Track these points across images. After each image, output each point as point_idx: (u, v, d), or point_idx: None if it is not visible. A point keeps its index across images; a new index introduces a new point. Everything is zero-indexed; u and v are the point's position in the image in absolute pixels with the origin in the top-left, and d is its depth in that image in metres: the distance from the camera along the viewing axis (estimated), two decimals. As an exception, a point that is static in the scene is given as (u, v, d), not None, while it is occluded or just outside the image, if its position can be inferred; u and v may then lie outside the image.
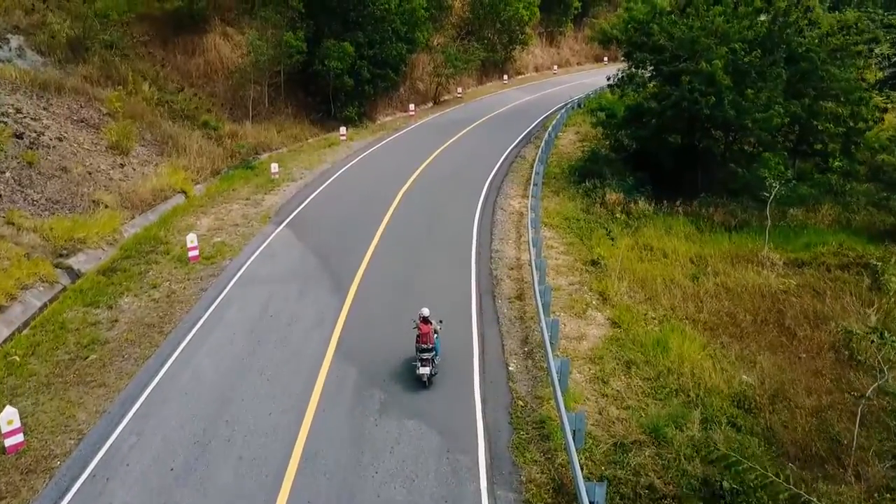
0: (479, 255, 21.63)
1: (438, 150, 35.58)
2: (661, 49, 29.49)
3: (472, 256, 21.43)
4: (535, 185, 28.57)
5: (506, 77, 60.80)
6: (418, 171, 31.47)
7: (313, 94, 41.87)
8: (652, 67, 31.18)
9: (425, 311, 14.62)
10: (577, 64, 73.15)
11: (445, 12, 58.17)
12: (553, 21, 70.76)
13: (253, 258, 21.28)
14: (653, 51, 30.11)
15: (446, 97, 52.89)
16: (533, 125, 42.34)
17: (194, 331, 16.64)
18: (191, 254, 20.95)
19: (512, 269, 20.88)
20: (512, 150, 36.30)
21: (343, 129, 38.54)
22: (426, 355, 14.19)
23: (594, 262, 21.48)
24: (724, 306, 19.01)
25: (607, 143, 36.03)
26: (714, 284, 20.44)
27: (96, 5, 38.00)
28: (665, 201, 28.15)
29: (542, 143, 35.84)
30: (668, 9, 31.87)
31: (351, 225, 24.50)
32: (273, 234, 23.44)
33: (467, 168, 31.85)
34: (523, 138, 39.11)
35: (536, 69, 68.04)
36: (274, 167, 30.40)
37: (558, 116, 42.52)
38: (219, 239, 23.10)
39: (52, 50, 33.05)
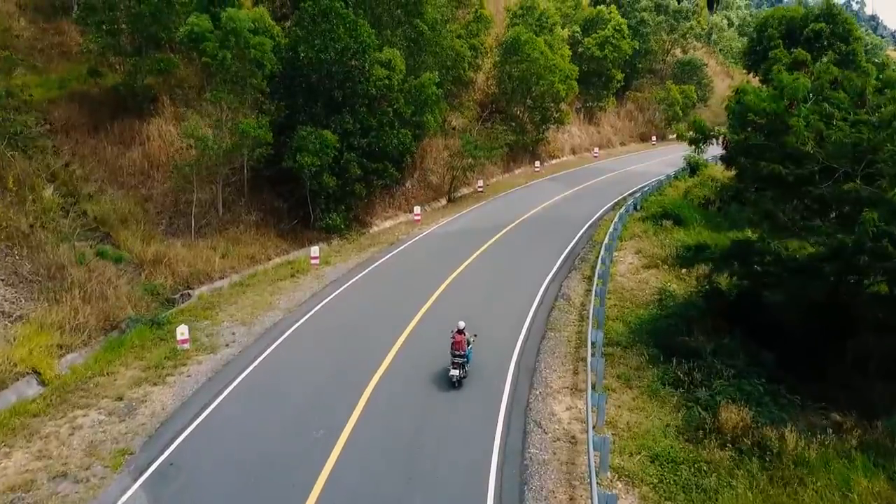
0: None
1: (443, 285, 24.89)
2: (801, 158, 18.69)
3: None
4: (591, 368, 17.53)
5: (538, 163, 50.64)
6: (405, 334, 20.67)
7: (286, 195, 31.86)
8: (774, 186, 20.33)
9: (461, 324, 17.30)
10: (621, 144, 63.00)
11: (466, 88, 48.79)
12: (592, 96, 61.15)
13: None
14: (786, 158, 19.27)
15: (464, 191, 42.75)
16: (576, 238, 31.59)
17: None
18: None
19: None
20: (549, 284, 25.43)
21: (315, 250, 28.11)
22: (458, 360, 16.89)
23: None
24: None
25: (692, 281, 25.11)
26: None
27: (11, 82, 29.12)
28: (799, 396, 17.00)
29: (594, 274, 25.07)
30: (810, 94, 21.00)
31: (278, 466, 13.63)
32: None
33: (484, 322, 20.87)
34: (564, 261, 28.30)
35: (573, 151, 57.96)
36: (181, 331, 19.77)
37: (611, 227, 31.70)
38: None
39: None
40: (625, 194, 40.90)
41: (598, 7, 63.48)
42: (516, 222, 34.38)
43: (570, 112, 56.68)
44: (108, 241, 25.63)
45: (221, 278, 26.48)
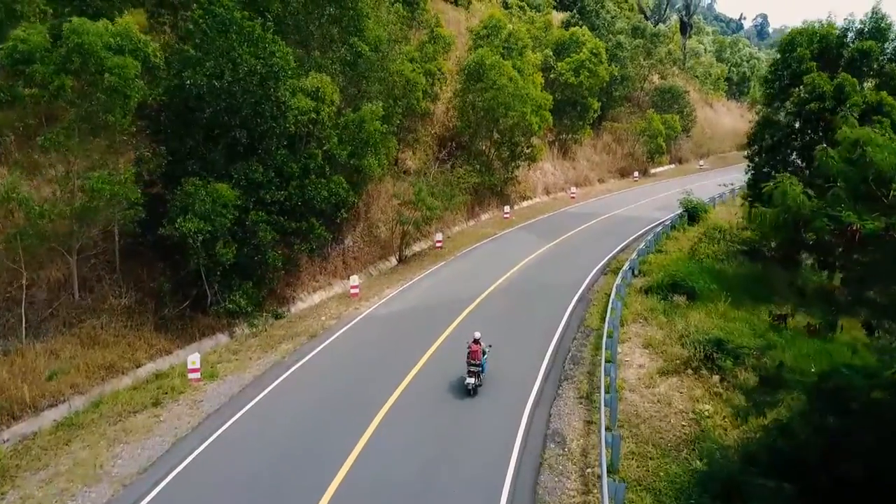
0: None
1: (373, 424, 16.72)
2: None
3: None
4: None
5: (507, 208, 43.08)
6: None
7: (173, 270, 23.51)
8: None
9: (477, 335, 18.07)
10: (599, 181, 56.00)
11: (422, 121, 41.23)
12: (566, 127, 54.22)
13: None
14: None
15: (420, 246, 34.92)
16: (563, 323, 23.77)
17: None
18: None
19: None
20: (534, 413, 17.47)
21: (194, 359, 19.71)
22: (474, 369, 17.70)
23: None
24: None
25: (728, 393, 17.52)
26: None
27: None
28: None
29: (593, 390, 17.31)
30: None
31: None
32: None
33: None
34: (551, 367, 20.40)
35: (547, 191, 50.68)
36: None
37: (608, 306, 24.08)
38: None
39: None
40: (615, 250, 33.43)
41: (572, 29, 56.95)
42: (482, 296, 26.49)
43: (544, 147, 49.55)
44: None
45: (53, 406, 18.03)
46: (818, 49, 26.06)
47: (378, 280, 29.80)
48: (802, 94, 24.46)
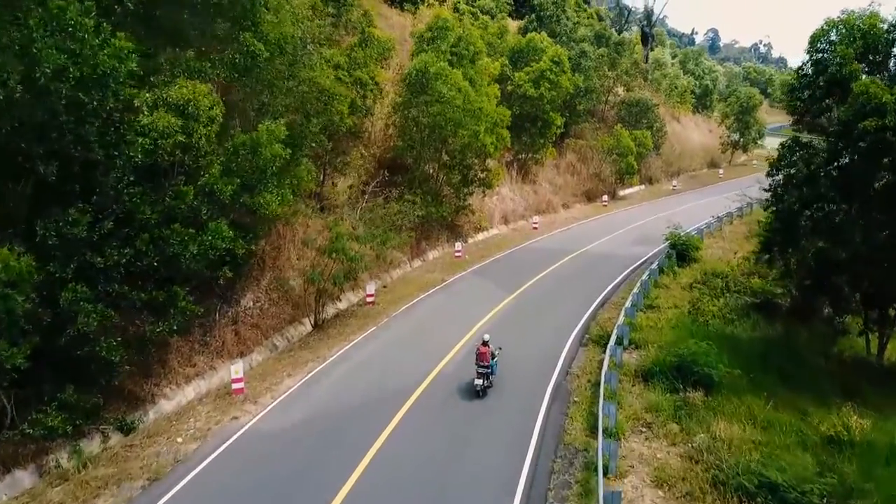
0: None
1: None
2: None
3: None
4: None
5: (459, 245, 35.87)
6: None
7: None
8: None
9: (486, 337, 18.45)
10: (564, 207, 49.34)
11: (352, 142, 33.86)
12: (526, 146, 47.54)
13: None
14: None
15: (346, 302, 27.40)
16: (532, 442, 16.30)
17: None
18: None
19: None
20: None
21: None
22: (482, 370, 17.97)
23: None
24: None
25: None
26: None
27: None
28: None
29: None
30: None
31: None
32: None
33: None
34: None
35: (506, 220, 43.75)
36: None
37: (598, 412, 16.91)
38: None
39: None
40: (593, 305, 26.46)
41: (530, 35, 50.47)
42: (420, 390, 18.95)
43: (502, 170, 42.67)
44: None
45: None
46: (862, 46, 19.74)
47: (281, 360, 22.11)
48: (850, 108, 17.93)
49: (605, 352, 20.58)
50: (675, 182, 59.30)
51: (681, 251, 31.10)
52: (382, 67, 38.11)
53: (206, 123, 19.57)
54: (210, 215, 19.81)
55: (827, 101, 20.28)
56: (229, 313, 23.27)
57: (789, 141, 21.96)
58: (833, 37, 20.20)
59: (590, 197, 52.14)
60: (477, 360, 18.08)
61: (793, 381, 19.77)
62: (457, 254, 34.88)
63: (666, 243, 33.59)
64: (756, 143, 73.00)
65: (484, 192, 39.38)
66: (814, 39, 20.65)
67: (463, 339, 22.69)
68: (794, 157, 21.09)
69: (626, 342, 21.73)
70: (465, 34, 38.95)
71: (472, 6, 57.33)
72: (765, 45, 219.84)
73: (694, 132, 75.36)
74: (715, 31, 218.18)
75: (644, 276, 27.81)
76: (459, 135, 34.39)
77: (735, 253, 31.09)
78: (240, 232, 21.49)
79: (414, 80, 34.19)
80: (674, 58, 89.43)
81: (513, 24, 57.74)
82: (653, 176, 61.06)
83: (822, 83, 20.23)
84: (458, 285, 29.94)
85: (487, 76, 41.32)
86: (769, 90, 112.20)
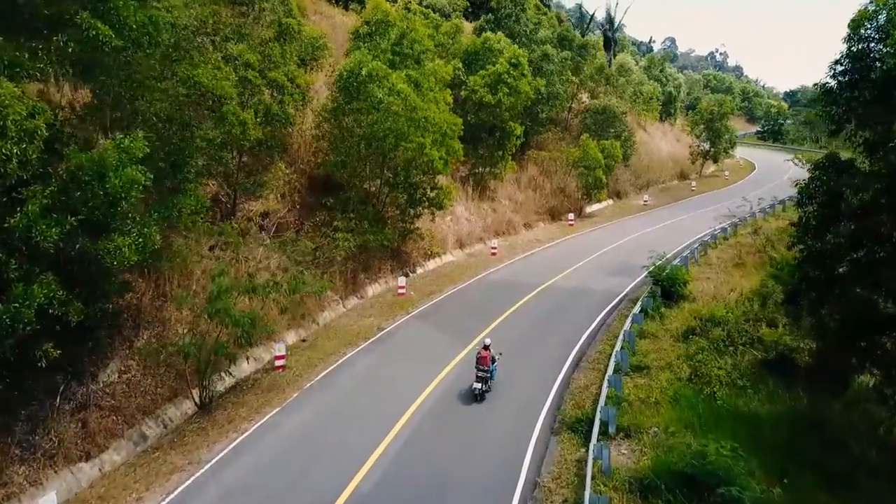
0: None
1: None
2: None
3: None
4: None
5: (404, 280, 30.08)
6: None
7: None
8: None
9: (487, 341, 18.88)
10: (526, 226, 43.99)
11: (272, 156, 27.88)
12: (482, 158, 42.17)
13: None
14: None
15: (248, 368, 21.32)
16: None
17: None
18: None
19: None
20: None
21: None
22: (482, 374, 18.28)
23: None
24: None
25: None
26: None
27: None
28: None
29: None
30: None
31: None
32: None
33: None
34: None
35: (461, 244, 38.15)
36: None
37: None
38: None
39: None
40: (565, 367, 20.92)
41: (485, 34, 45.18)
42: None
43: (455, 187, 37.10)
44: None
45: None
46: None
47: (138, 467, 15.93)
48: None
49: (585, 446, 15.02)
50: (645, 196, 54.52)
51: (666, 288, 25.91)
52: (312, 69, 32.40)
53: (17, 140, 13.62)
54: (24, 272, 13.80)
55: (874, 106, 15.10)
56: (79, 394, 17.09)
57: (824, 161, 16.81)
58: (882, 18, 15.16)
59: (554, 215, 46.93)
60: (477, 363, 18.46)
61: (840, 486, 14.52)
62: (400, 289, 29.09)
63: (646, 274, 28.52)
64: (727, 152, 69.04)
65: (433, 213, 33.68)
66: (855, 25, 15.56)
67: (394, 428, 16.88)
68: (832, 182, 15.89)
69: (612, 428, 16.22)
70: (410, 30, 33.25)
71: (424, 7, 51.82)
72: (721, 54, 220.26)
73: (662, 141, 71.15)
74: (672, 40, 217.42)
75: (627, 325, 22.43)
76: (402, 148, 28.68)
77: (731, 290, 25.99)
78: (84, 289, 15.56)
79: (345, 82, 28.44)
80: (636, 64, 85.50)
81: (469, 27, 52.41)
82: (621, 190, 56.27)
83: (868, 85, 15.06)
84: (398, 335, 24.12)
85: (438, 80, 35.76)
86: (729, 97, 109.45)
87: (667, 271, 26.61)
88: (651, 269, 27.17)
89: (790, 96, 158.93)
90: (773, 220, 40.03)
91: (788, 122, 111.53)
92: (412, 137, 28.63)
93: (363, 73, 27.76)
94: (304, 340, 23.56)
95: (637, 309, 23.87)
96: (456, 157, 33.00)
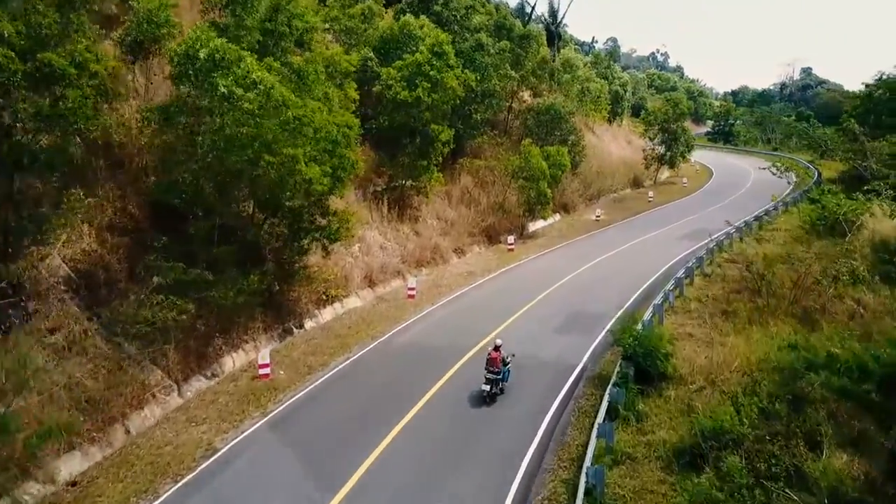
0: None
1: None
2: None
3: None
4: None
5: (265, 353, 21.20)
6: None
7: None
8: None
9: (498, 342, 18.00)
10: (457, 252, 35.80)
11: (74, 176, 18.71)
12: (402, 170, 33.77)
13: None
14: None
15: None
16: None
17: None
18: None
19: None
20: None
21: None
22: (491, 376, 17.47)
23: None
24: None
25: None
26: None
27: None
28: None
29: None
30: None
31: None
32: None
33: None
34: None
35: (371, 283, 29.59)
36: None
37: None
38: None
39: None
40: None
41: (404, 18, 36.91)
42: None
43: (363, 208, 28.60)
44: None
45: None
46: None
47: None
48: None
49: None
50: (598, 211, 47.04)
51: (642, 366, 17.99)
52: (153, 55, 23.54)
53: None
54: None
55: None
56: None
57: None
58: None
59: (492, 235, 38.92)
60: (487, 364, 17.63)
61: None
62: (262, 370, 20.30)
63: (607, 332, 20.76)
64: (685, 156, 62.62)
65: (326, 251, 25.10)
66: None
67: None
68: None
69: None
70: (287, 1, 24.50)
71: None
72: (662, 55, 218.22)
73: (611, 145, 64.19)
74: (615, 40, 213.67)
75: (591, 442, 14.32)
76: (268, 166, 19.96)
77: (732, 364, 18.21)
78: None
79: (179, 70, 19.60)
80: (582, 61, 78.61)
81: (390, 15, 43.86)
82: (569, 202, 48.73)
83: None
84: (227, 475, 15.29)
85: (339, 71, 27.20)
86: (685, 96, 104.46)
87: (638, 337, 18.70)
88: (617, 334, 19.28)
89: (732, 96, 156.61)
90: (755, 245, 32.79)
91: (738, 122, 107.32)
92: (282, 150, 20.02)
93: (201, 55, 18.98)
94: (73, 485, 14.54)
95: (602, 414, 15.72)
96: (353, 172, 24.53)
